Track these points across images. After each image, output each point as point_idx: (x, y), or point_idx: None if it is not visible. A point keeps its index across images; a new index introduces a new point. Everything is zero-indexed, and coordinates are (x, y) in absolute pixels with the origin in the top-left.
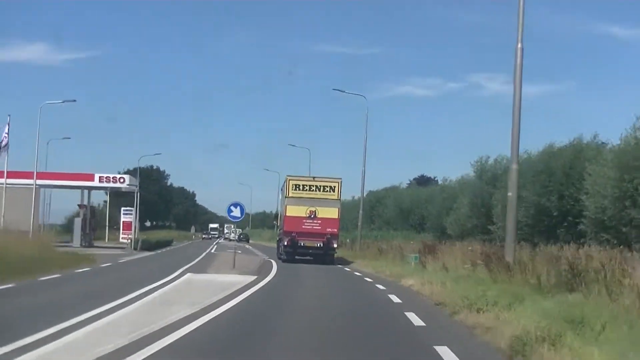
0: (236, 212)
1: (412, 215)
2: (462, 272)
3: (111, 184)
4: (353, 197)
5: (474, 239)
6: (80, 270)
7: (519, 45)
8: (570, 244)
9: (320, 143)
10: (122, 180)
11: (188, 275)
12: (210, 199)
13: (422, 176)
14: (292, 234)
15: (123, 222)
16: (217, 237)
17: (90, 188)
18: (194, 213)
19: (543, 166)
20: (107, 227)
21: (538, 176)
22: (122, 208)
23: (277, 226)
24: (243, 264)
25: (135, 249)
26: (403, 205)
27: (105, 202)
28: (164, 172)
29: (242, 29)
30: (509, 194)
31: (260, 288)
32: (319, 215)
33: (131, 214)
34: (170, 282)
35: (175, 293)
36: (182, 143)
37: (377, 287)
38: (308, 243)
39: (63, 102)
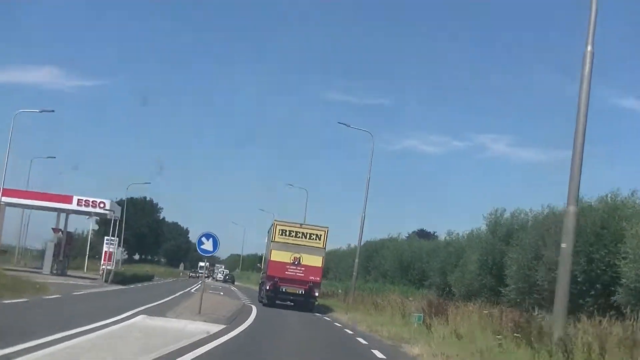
0: (207, 245)
1: (412, 269)
2: (482, 342)
3: (90, 208)
4: (349, 244)
5: (480, 299)
6: (13, 301)
7: (589, 49)
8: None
9: (320, 187)
10: (102, 204)
11: (140, 317)
12: None
13: (422, 230)
14: (275, 279)
15: (105, 252)
16: (206, 277)
17: (67, 211)
18: (186, 250)
19: None
20: (87, 256)
21: None
22: (105, 237)
23: (261, 269)
24: (215, 308)
25: (106, 281)
26: (403, 257)
27: (94, 230)
28: (156, 204)
29: (247, 72)
30: (563, 245)
31: (220, 345)
32: (303, 262)
33: (114, 244)
34: (109, 326)
35: (100, 344)
36: (179, 178)
37: (373, 353)
38: (290, 289)
39: (41, 111)
